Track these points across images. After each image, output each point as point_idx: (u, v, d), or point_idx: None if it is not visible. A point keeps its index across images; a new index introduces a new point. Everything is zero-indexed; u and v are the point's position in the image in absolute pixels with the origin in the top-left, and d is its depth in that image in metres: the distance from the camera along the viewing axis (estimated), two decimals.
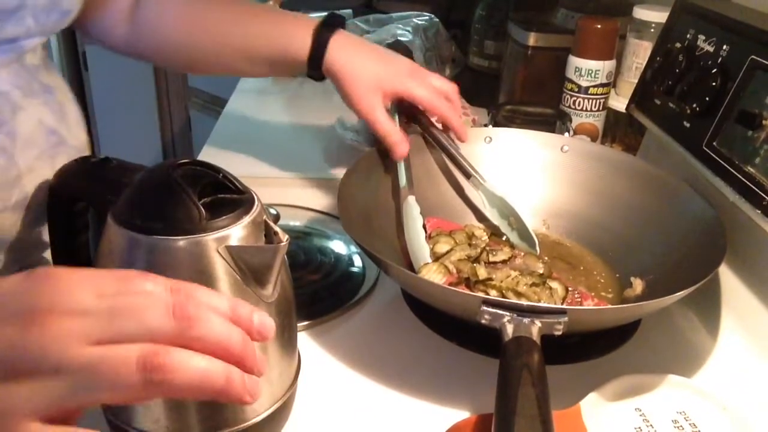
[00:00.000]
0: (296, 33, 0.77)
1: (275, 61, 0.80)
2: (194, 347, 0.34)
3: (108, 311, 0.34)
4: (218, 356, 0.35)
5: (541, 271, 0.70)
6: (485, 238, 0.76)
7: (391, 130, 0.75)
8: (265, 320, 0.38)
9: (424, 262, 0.69)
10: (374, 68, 0.75)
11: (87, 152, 0.67)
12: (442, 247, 0.72)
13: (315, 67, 0.76)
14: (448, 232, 0.75)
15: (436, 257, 0.71)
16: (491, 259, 0.71)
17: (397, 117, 0.79)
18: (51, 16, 0.60)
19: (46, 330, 0.33)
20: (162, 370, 0.33)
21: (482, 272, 0.67)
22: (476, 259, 0.71)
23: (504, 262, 0.71)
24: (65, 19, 0.63)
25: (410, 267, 0.71)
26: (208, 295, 0.37)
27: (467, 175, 0.78)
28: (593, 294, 0.70)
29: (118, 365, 0.33)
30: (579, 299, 0.67)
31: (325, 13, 0.80)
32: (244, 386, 0.35)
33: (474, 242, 0.75)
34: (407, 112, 0.81)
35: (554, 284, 0.67)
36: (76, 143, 0.65)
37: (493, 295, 0.65)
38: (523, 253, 0.73)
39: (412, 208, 0.74)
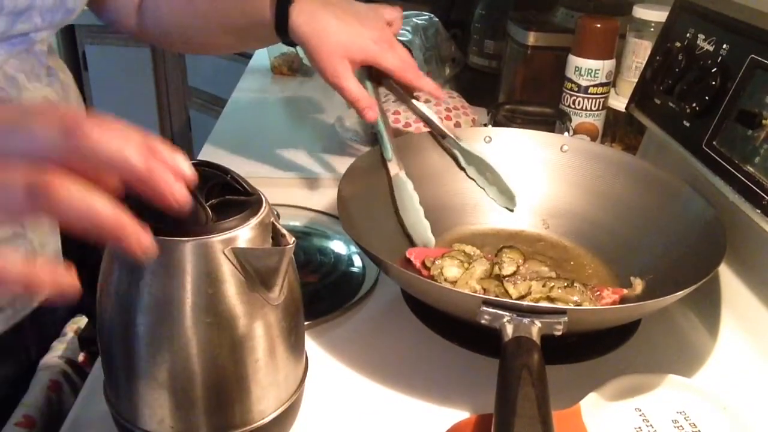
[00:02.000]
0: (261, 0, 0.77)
1: (244, 29, 0.81)
2: (88, 165, 0.33)
3: None
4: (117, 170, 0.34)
5: (551, 274, 0.69)
6: (478, 252, 0.74)
7: (359, 95, 0.75)
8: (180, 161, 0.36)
9: (427, 239, 0.71)
10: (341, 34, 0.75)
11: None
12: (452, 270, 0.70)
13: (282, 34, 0.76)
14: (441, 256, 0.72)
15: (453, 282, 0.69)
16: (503, 273, 0.70)
17: (369, 84, 0.79)
18: (57, 15, 0.63)
19: None
20: (48, 201, 0.32)
21: (513, 291, 0.66)
22: (495, 276, 0.70)
23: (514, 273, 0.70)
24: (70, 16, 0.66)
25: (409, 265, 0.71)
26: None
27: (442, 136, 0.78)
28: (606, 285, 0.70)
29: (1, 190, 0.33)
30: (598, 293, 0.67)
31: None
32: (137, 238, 0.35)
33: (474, 259, 0.73)
34: (375, 76, 0.81)
35: (576, 284, 0.67)
36: None
37: None
38: (524, 261, 0.72)
39: (405, 183, 0.74)
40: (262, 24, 0.77)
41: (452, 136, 0.77)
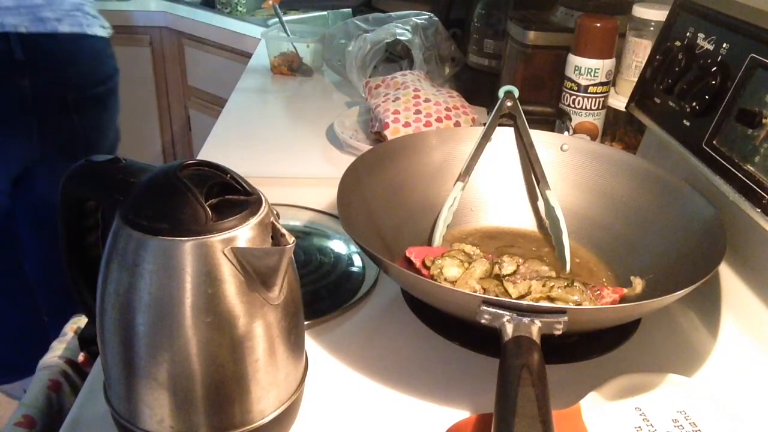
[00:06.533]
0: None
1: None
2: None
3: None
4: None
5: (550, 274, 0.69)
6: (478, 252, 0.74)
7: None
8: None
9: (436, 242, 0.75)
10: None
11: None
12: (452, 270, 0.69)
13: None
14: (441, 255, 0.71)
15: (452, 282, 0.69)
16: (503, 272, 0.70)
17: (494, 111, 0.85)
18: None
19: None
20: None
21: (513, 290, 0.66)
22: (495, 275, 0.69)
23: (513, 273, 0.70)
24: None
25: (409, 265, 0.71)
26: None
27: (537, 180, 0.81)
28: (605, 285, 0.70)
29: None
30: (598, 292, 0.67)
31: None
32: None
33: (473, 258, 0.72)
34: (508, 112, 0.85)
35: (576, 283, 0.67)
36: None
37: None
38: (524, 261, 0.72)
39: (452, 193, 0.80)
40: None
41: (545, 182, 0.80)
